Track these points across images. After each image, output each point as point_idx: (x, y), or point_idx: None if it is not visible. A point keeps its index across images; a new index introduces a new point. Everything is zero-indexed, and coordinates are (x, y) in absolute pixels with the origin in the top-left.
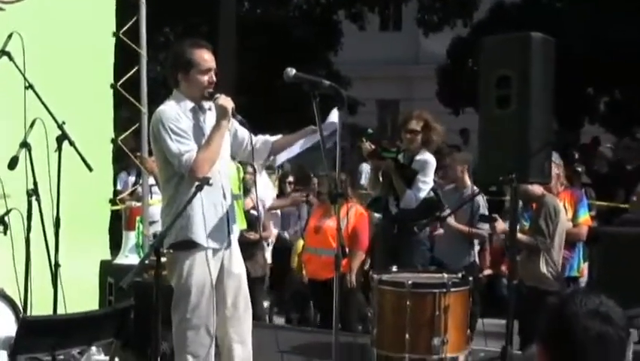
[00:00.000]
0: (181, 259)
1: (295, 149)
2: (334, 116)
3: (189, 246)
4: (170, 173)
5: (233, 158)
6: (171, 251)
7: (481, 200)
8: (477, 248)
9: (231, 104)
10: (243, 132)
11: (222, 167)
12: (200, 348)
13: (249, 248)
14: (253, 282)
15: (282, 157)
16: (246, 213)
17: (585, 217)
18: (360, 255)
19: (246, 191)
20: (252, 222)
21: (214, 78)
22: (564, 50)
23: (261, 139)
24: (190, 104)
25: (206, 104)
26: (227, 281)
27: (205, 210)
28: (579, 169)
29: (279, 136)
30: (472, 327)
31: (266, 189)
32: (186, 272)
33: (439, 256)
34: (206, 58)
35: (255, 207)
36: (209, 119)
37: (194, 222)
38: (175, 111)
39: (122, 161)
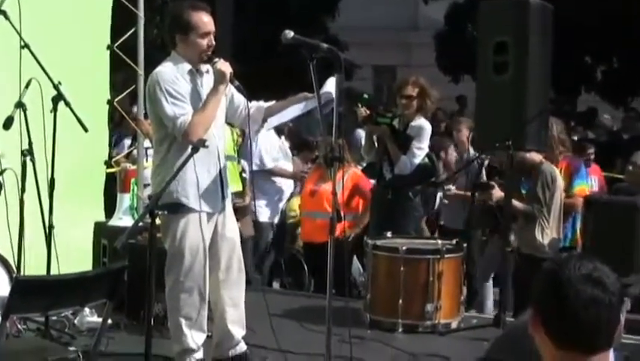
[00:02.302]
0: (174, 221)
1: (287, 115)
2: (330, 85)
3: (182, 209)
4: (164, 134)
5: (229, 124)
6: (165, 213)
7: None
8: None
9: (229, 69)
10: (239, 98)
11: (217, 130)
12: (192, 311)
13: (240, 210)
14: (245, 242)
15: (272, 122)
16: (240, 175)
17: (580, 187)
18: (368, 213)
19: (240, 154)
20: (244, 185)
21: (213, 42)
22: (562, 17)
23: (254, 105)
24: (187, 67)
25: (204, 67)
26: (221, 245)
27: (198, 174)
28: (575, 138)
29: (273, 102)
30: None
31: (271, 150)
32: (180, 235)
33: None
34: (205, 21)
35: (244, 171)
36: (207, 81)
37: (187, 185)
38: (172, 73)
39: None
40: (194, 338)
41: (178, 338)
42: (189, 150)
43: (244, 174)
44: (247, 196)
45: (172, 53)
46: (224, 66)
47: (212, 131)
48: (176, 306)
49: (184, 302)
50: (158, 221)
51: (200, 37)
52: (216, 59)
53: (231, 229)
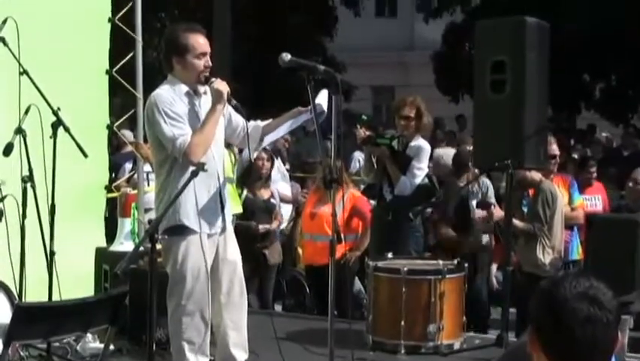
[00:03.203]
0: (175, 244)
1: (281, 130)
2: (322, 97)
3: (183, 231)
4: (164, 157)
5: (227, 145)
6: (166, 237)
7: (490, 186)
8: None
9: (227, 88)
10: (238, 118)
11: (217, 151)
12: (195, 334)
13: (268, 236)
14: (270, 269)
15: (267, 139)
16: (264, 201)
17: (580, 201)
18: (368, 235)
19: (264, 180)
20: (271, 210)
21: (210, 62)
22: (559, 35)
23: (252, 124)
24: (185, 88)
25: (202, 89)
26: (223, 268)
27: (198, 196)
28: (575, 156)
29: (269, 120)
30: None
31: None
32: (181, 258)
33: None
34: (201, 42)
35: (273, 196)
36: (205, 103)
37: (187, 207)
38: (170, 95)
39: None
40: None
41: None
42: (189, 172)
43: (272, 200)
44: (276, 221)
45: (169, 76)
46: (222, 85)
47: (211, 151)
48: (178, 330)
49: (186, 326)
50: (158, 246)
51: (197, 58)
52: (213, 79)
53: (232, 252)
